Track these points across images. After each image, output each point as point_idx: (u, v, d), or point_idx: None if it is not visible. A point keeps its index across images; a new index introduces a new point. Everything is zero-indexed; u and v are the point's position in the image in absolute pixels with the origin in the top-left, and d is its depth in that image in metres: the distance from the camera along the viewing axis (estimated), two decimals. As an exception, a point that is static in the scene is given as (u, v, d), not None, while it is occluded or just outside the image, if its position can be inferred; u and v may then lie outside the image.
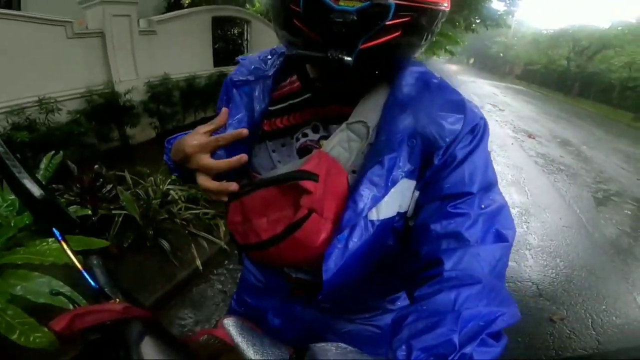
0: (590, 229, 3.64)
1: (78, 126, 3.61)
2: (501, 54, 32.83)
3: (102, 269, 0.49)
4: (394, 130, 0.50)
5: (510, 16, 10.57)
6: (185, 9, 5.51)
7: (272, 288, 0.69)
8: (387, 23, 0.44)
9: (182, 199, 2.73)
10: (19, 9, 4.83)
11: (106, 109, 3.89)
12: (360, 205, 0.48)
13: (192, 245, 2.39)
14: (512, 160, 5.77)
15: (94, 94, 3.89)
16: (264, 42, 6.72)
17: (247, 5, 8.07)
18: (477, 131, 0.51)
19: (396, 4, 0.43)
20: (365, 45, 0.45)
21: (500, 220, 0.48)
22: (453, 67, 34.46)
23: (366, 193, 0.49)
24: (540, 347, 2.06)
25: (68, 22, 3.68)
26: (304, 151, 0.57)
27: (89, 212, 1.95)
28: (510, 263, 2.86)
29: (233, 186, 0.54)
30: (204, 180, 0.55)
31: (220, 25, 6.05)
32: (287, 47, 0.53)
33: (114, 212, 2.33)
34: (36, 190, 0.49)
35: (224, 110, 0.58)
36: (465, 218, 0.46)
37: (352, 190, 0.50)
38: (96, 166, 2.86)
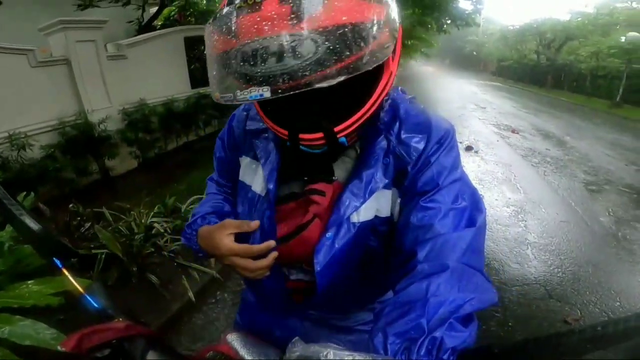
0: (589, 222, 3.59)
1: (53, 162, 3.46)
2: (474, 53, 33.79)
3: (103, 292, 0.52)
4: (371, 150, 0.61)
5: (478, 14, 10.77)
6: (155, 31, 5.37)
7: (272, 303, 0.78)
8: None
9: (168, 230, 2.62)
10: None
11: (81, 141, 3.72)
12: (342, 210, 0.60)
13: (183, 276, 2.31)
14: (500, 157, 5.76)
15: (67, 126, 3.71)
16: None
17: (221, 23, 8.02)
18: (444, 139, 0.60)
19: (346, 135, 0.55)
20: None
21: (469, 210, 0.55)
22: (430, 69, 35.13)
23: (347, 201, 0.60)
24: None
25: (30, 50, 3.51)
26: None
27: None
28: (513, 265, 2.82)
29: (274, 255, 0.65)
30: (246, 268, 0.65)
31: (194, 46, 5.93)
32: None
33: (94, 251, 2.22)
34: (34, 226, 0.54)
35: (255, 223, 0.66)
36: (437, 211, 0.54)
37: (337, 199, 0.61)
38: (71, 205, 2.76)
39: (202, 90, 5.67)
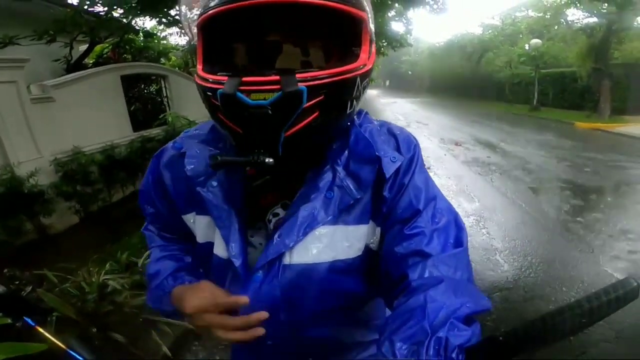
0: (542, 220, 3.83)
1: (-22, 223, 2.96)
2: (410, 72, 35.95)
3: (83, 346, 0.50)
4: (313, 185, 0.56)
5: (409, 35, 11.49)
6: (87, 70, 4.93)
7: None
8: (304, 107, 0.46)
9: (126, 286, 2.40)
10: None
11: (9, 198, 3.24)
12: (270, 249, 0.55)
13: (152, 332, 2.13)
14: (451, 170, 6.03)
15: (-11, 183, 3.21)
16: (186, 96, 6.39)
17: (163, 60, 7.70)
18: (413, 157, 0.59)
19: (307, 86, 0.45)
20: (289, 133, 0.47)
21: (452, 228, 0.55)
22: (373, 92, 36.86)
23: (277, 241, 0.54)
24: (561, 349, 1.95)
25: None
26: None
27: (8, 320, 1.61)
28: (488, 272, 2.87)
29: (263, 315, 0.55)
30: (226, 334, 0.55)
31: (133, 85, 5.57)
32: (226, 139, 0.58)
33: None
34: None
35: (244, 299, 0.56)
36: (422, 236, 0.53)
37: (268, 240, 0.56)
38: (6, 270, 2.43)
39: (145, 133, 5.27)
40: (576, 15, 13.33)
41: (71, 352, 0.49)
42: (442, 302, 0.43)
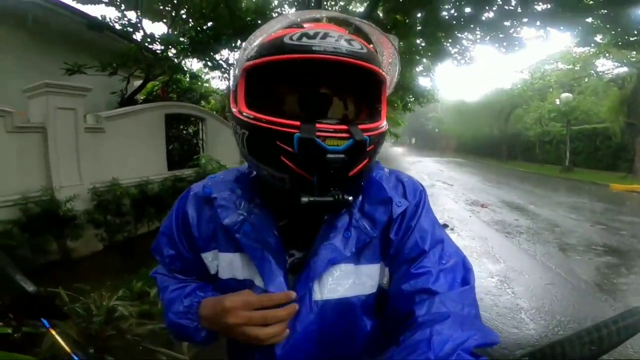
0: (574, 281, 3.60)
1: (9, 239, 3.11)
2: (436, 130, 35.16)
3: (88, 353, 0.51)
4: (331, 226, 0.60)
5: (436, 90, 11.59)
6: (137, 105, 5.28)
7: None
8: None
9: (134, 314, 2.41)
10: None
11: (43, 218, 3.42)
12: (300, 288, 0.58)
13: None
14: (475, 232, 5.80)
15: (30, 202, 3.42)
16: (220, 140, 6.67)
17: (202, 103, 8.23)
18: (419, 202, 0.64)
19: (368, 137, 0.53)
20: (352, 173, 0.53)
21: (459, 269, 0.58)
22: (399, 150, 36.94)
23: (303, 279, 0.58)
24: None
25: (8, 112, 3.30)
26: (295, 268, 0.61)
27: (9, 330, 1.74)
28: (511, 330, 2.72)
29: (294, 307, 0.57)
30: (264, 328, 0.56)
31: (173, 124, 5.89)
32: (272, 181, 0.57)
33: (42, 329, 1.93)
34: (29, 286, 0.56)
35: (287, 293, 0.58)
36: (429, 275, 0.55)
37: (297, 279, 0.59)
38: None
39: (178, 172, 5.46)
40: (606, 66, 13.08)
41: (75, 356, 0.51)
42: (448, 335, 0.44)
